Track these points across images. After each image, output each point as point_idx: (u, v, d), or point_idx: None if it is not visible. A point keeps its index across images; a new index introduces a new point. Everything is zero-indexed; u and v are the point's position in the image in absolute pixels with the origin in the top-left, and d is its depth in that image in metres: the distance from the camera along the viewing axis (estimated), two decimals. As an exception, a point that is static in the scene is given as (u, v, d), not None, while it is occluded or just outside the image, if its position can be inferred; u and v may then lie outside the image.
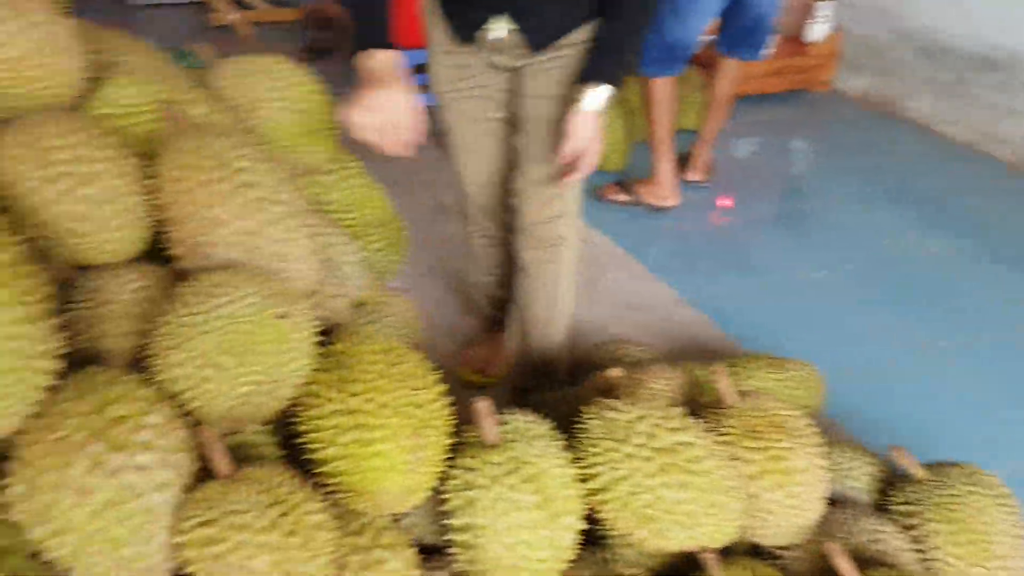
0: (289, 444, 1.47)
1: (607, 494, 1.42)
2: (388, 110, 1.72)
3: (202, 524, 1.16)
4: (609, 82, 1.87)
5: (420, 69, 5.35)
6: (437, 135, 2.26)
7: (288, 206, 1.43)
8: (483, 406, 1.41)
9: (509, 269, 2.62)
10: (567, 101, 1.94)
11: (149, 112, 1.55)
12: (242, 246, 1.37)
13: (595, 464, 1.43)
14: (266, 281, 1.30)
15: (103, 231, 1.35)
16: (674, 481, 1.39)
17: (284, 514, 1.18)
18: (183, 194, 1.37)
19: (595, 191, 3.94)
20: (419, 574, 1.37)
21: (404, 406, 1.33)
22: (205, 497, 1.19)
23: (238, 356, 1.24)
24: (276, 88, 1.76)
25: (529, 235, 2.26)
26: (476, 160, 2.30)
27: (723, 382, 1.63)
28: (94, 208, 1.33)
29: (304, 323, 1.31)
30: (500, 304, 2.74)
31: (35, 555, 1.21)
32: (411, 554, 1.37)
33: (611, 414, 1.48)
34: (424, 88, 5.38)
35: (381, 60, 1.75)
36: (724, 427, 1.57)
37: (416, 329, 2.09)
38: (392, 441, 1.30)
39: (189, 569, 1.18)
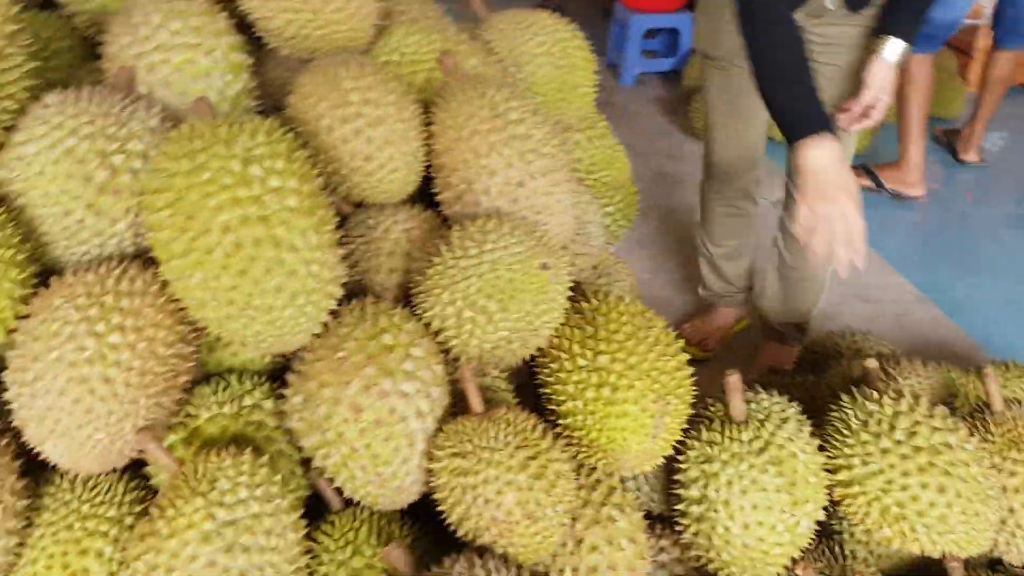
0: (520, 391, 1.52)
1: (856, 487, 1.36)
2: (843, 224, 1.58)
3: (456, 455, 1.21)
4: (906, 39, 1.92)
5: (651, 34, 5.28)
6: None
7: (553, 160, 1.45)
8: (734, 380, 1.38)
9: (742, 242, 2.59)
10: (863, 53, 2.00)
11: (428, 61, 1.62)
12: (508, 196, 1.41)
13: (848, 455, 1.36)
14: (531, 232, 1.33)
15: (383, 171, 1.43)
16: (932, 483, 1.30)
17: (532, 457, 1.21)
18: (458, 142, 1.42)
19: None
20: (645, 538, 1.37)
21: (651, 371, 1.33)
22: (459, 430, 1.24)
23: (500, 301, 1.28)
24: (542, 43, 1.78)
25: None
26: (745, 124, 2.33)
27: (993, 386, 1.50)
28: (378, 149, 1.41)
29: (563, 276, 1.33)
30: (725, 278, 2.69)
31: (305, 462, 1.32)
32: (639, 517, 1.37)
33: (871, 406, 1.40)
34: (652, 54, 5.29)
35: (825, 153, 1.60)
36: (988, 434, 1.45)
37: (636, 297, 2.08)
38: (637, 403, 1.30)
39: (438, 495, 1.25)
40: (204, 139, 1.18)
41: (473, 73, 1.61)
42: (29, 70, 1.26)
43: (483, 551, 1.20)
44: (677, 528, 1.45)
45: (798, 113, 1.68)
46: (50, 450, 1.16)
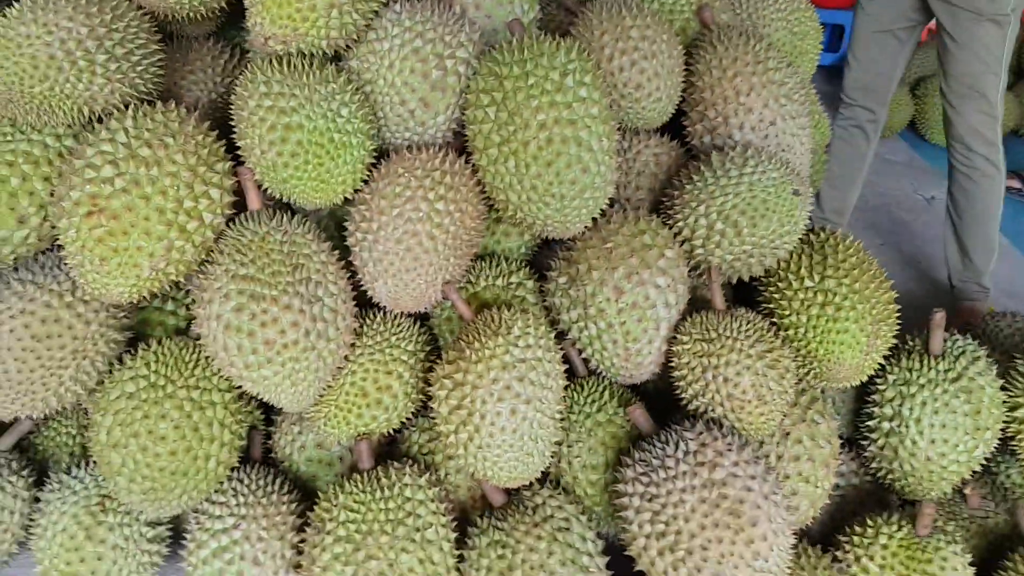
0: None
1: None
2: None
3: (701, 340, 1.40)
4: None
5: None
6: None
7: (800, 107, 1.60)
8: (939, 318, 1.52)
9: (844, 172, 2.81)
10: None
11: (685, 12, 1.78)
12: (760, 132, 1.57)
13: (1030, 396, 1.51)
14: (785, 163, 1.49)
15: (649, 100, 1.61)
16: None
17: (768, 351, 1.39)
18: (721, 81, 1.60)
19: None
20: (838, 443, 1.53)
21: (870, 298, 1.48)
22: (703, 321, 1.43)
23: (751, 219, 1.45)
24: (781, 9, 1.93)
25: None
26: (882, 55, 2.65)
27: None
28: (648, 80, 1.59)
29: (807, 204, 1.49)
30: (820, 200, 2.87)
31: (562, 335, 1.54)
32: (835, 425, 1.53)
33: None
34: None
35: None
36: None
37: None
38: (857, 323, 1.46)
39: (678, 373, 1.44)
40: (531, 51, 1.39)
41: (722, 25, 1.78)
42: (389, -20, 1.49)
43: (715, 422, 1.39)
44: (863, 443, 1.61)
45: None
46: (380, 288, 1.41)
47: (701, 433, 1.32)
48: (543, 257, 1.70)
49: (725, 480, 1.25)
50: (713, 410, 1.40)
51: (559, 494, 1.39)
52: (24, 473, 1.45)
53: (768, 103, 1.56)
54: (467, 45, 1.51)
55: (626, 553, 1.34)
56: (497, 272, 1.56)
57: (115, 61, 1.29)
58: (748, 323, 1.41)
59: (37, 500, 1.45)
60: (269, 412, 1.59)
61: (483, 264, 1.57)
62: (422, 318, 1.57)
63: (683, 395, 1.44)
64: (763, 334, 1.41)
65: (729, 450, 1.29)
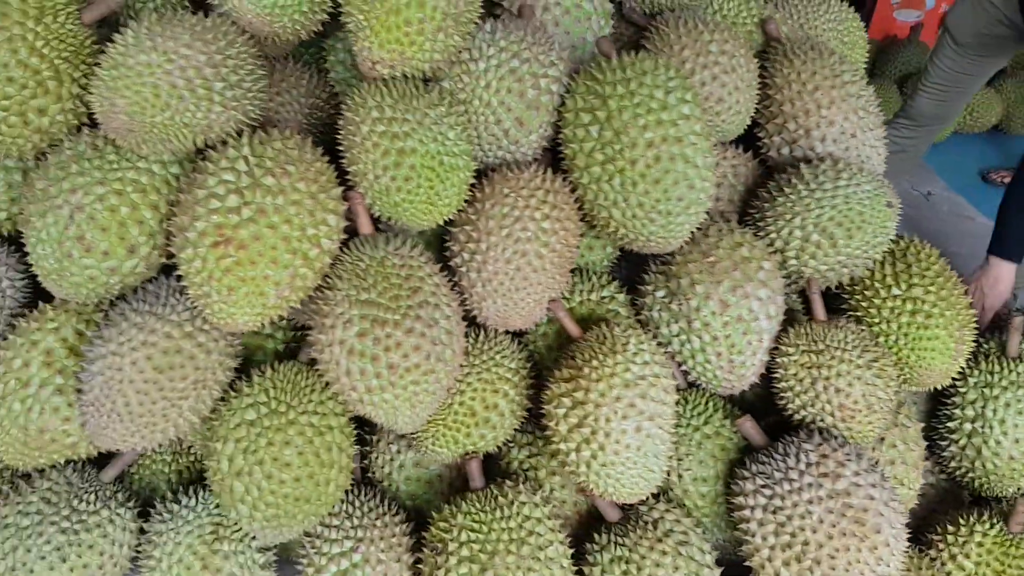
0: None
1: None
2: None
3: (808, 351, 1.41)
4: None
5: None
6: None
7: (876, 119, 1.62)
8: (1019, 321, 1.55)
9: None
10: None
11: (746, 24, 1.79)
12: (842, 145, 1.58)
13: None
14: (876, 175, 1.50)
15: (729, 113, 1.60)
16: None
17: (875, 360, 1.40)
18: (801, 94, 1.60)
19: (983, 172, 3.85)
20: (924, 445, 1.55)
21: (956, 304, 1.50)
22: (807, 332, 1.43)
23: (847, 230, 1.46)
24: (830, 20, 1.94)
25: None
26: (955, 97, 2.73)
27: None
28: (729, 93, 1.59)
29: (896, 213, 1.50)
30: None
31: (663, 347, 1.53)
32: (920, 428, 1.55)
33: None
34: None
35: (1008, 272, 1.92)
36: None
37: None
38: (946, 330, 1.48)
39: (783, 384, 1.44)
40: (634, 69, 1.38)
41: (792, 38, 1.78)
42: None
43: (826, 431, 1.40)
44: (941, 443, 1.63)
45: (1010, 241, 1.92)
46: (488, 307, 1.39)
47: (820, 444, 1.32)
48: (620, 269, 1.69)
49: (849, 490, 1.26)
50: (822, 420, 1.40)
51: (675, 508, 1.38)
52: (130, 504, 1.40)
53: (848, 116, 1.57)
54: (558, 63, 1.49)
55: (745, 564, 1.34)
56: (589, 287, 1.54)
57: (230, 88, 1.24)
58: (853, 333, 1.42)
59: (143, 531, 1.40)
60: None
61: (574, 279, 1.56)
62: (517, 335, 1.55)
63: (789, 405, 1.44)
64: (867, 343, 1.42)
65: (849, 460, 1.29)
